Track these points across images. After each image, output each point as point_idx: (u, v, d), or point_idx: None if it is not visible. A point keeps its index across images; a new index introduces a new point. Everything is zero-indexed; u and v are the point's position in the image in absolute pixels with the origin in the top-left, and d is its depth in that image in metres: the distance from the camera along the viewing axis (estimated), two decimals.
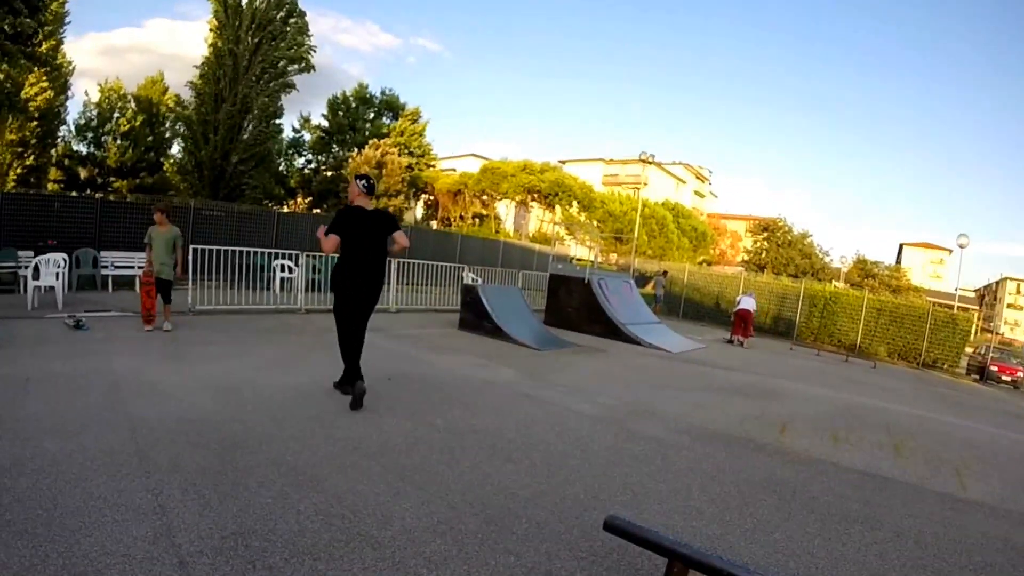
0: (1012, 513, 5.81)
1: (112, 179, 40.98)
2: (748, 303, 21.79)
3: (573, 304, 17.45)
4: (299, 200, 48.71)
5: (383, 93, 49.66)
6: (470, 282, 17.36)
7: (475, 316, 14.22)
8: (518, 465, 5.26)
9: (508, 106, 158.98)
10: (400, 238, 6.90)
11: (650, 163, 33.45)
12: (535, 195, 48.87)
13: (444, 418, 6.59)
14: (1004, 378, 26.00)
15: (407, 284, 17.62)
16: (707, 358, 15.41)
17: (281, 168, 45.99)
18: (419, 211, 53.22)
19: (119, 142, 41.40)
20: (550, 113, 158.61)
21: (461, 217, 50.30)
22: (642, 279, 33.21)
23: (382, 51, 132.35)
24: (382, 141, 44.32)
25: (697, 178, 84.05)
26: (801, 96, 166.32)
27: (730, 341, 21.38)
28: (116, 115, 42.38)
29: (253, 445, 5.24)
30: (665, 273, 32.31)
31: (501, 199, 51.00)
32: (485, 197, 50.80)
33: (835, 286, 35.37)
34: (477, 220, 50.79)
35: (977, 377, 26.56)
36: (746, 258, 57.07)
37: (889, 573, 4.08)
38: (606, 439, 6.48)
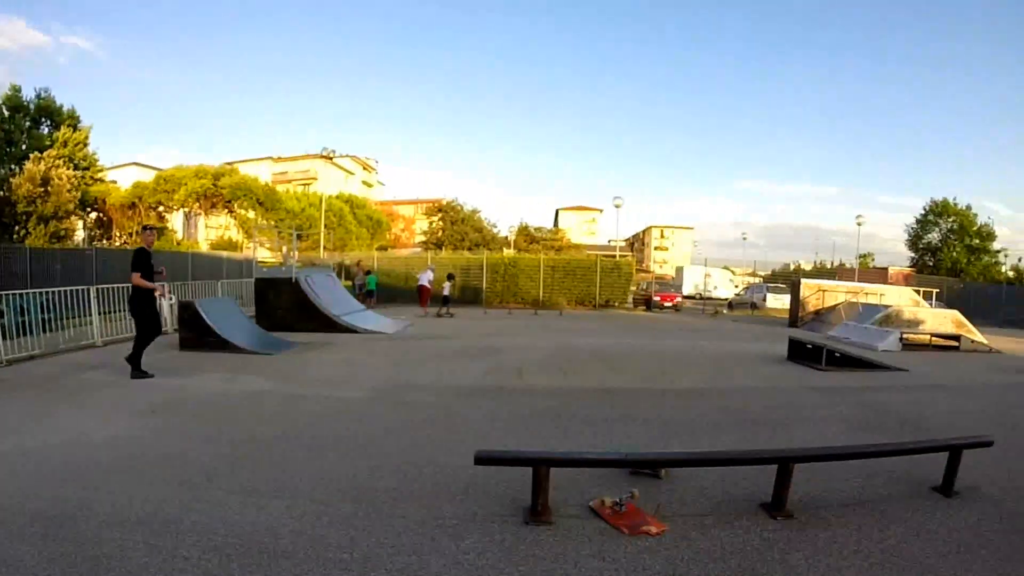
0: (711, 391, 8.50)
1: None
2: (424, 278, 25.12)
3: (284, 305, 17.32)
4: None
5: (38, 97, 42.55)
6: (167, 303, 16.89)
7: (197, 334, 13.70)
8: (339, 452, 5.73)
9: (168, 110, 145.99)
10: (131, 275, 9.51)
11: (331, 159, 34.00)
12: (214, 200, 46.88)
13: (243, 432, 6.51)
14: (666, 304, 33.46)
15: (104, 312, 16.58)
16: (422, 332, 16.79)
17: None
18: (80, 232, 47.01)
19: None
20: (213, 114, 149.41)
21: (138, 232, 46.67)
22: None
23: (29, 50, 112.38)
24: (44, 154, 38.91)
25: (364, 168, 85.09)
26: (457, 82, 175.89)
27: (426, 315, 23.80)
28: None
29: (98, 517, 4.35)
30: (359, 262, 33.20)
31: (178, 208, 48.27)
32: (161, 208, 47.77)
33: (511, 253, 38.85)
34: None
35: (645, 307, 32.76)
36: (423, 239, 59.22)
37: (657, 443, 5.69)
38: (394, 414, 7.22)
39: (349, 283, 29.70)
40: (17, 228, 36.62)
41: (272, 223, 43.95)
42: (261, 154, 72.03)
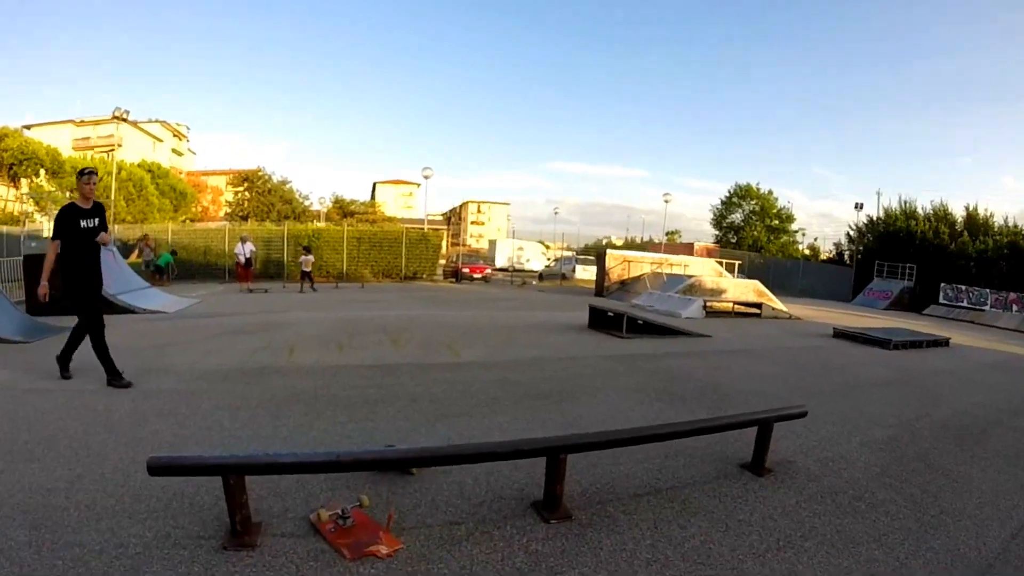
0: (497, 364, 7.87)
1: None
2: (240, 252, 23.51)
3: (56, 285, 15.49)
4: None
5: None
6: None
7: None
8: (46, 460, 4.48)
9: None
10: None
11: (125, 120, 30.76)
12: None
13: None
14: (476, 276, 33.63)
15: None
16: (206, 310, 15.17)
17: None
18: None
19: None
20: (8, 72, 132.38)
21: None
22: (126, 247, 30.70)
23: None
24: None
25: (175, 136, 79.19)
26: (277, 54, 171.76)
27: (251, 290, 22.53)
28: None
29: None
30: (146, 236, 30.14)
31: None
32: None
33: (317, 225, 37.40)
34: None
35: (454, 279, 32.71)
36: (229, 211, 56.09)
37: (422, 426, 4.90)
38: (129, 405, 5.93)
39: (139, 259, 27.10)
40: None
41: (66, 193, 39.34)
42: (62, 117, 64.86)
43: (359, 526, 3.11)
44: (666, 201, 44.17)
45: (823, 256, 49.60)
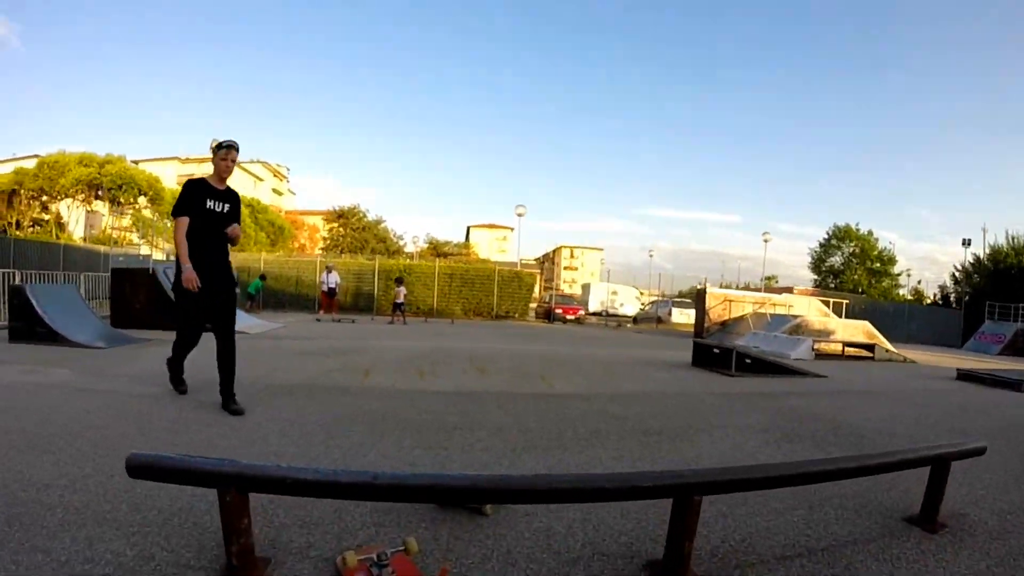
0: (596, 396, 7.06)
1: None
2: (325, 281, 23.57)
3: (140, 299, 15.47)
4: None
5: None
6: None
7: (27, 323, 11.64)
8: (65, 454, 4.08)
9: (65, 99, 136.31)
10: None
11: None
12: (99, 191, 43.02)
13: None
14: (568, 317, 33.63)
15: None
16: (288, 334, 14.87)
17: None
18: None
19: None
20: (118, 108, 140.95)
21: (17, 224, 42.42)
22: None
23: None
24: None
25: (275, 176, 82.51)
26: (372, 98, 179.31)
27: (337, 320, 22.62)
28: None
29: None
30: None
31: (62, 199, 44.06)
32: (45, 198, 43.59)
33: (408, 261, 37.87)
34: (38, 227, 43.40)
35: (546, 319, 33.08)
36: (324, 246, 57.25)
37: (505, 457, 4.15)
38: (177, 413, 5.47)
39: None
40: None
41: (166, 222, 40.39)
42: (168, 154, 67.82)
43: None
44: (765, 240, 42.47)
45: (927, 300, 47.36)
